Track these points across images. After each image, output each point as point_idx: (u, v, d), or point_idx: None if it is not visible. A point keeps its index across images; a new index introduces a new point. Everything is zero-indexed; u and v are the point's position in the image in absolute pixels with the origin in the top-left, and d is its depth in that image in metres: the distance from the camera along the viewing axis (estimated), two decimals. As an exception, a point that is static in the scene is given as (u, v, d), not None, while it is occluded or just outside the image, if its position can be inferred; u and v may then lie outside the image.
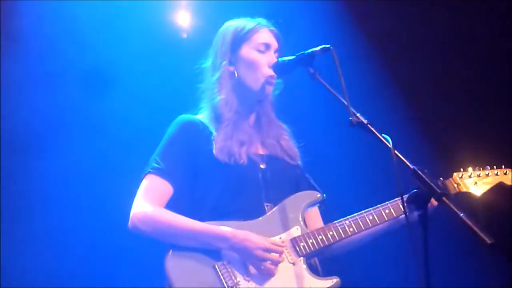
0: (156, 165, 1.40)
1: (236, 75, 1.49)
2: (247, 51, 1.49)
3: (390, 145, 1.18)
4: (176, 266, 1.36)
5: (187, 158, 1.43)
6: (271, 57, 1.48)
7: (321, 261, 1.45)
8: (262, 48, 1.49)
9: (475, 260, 2.00)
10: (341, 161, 1.94)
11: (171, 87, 2.11)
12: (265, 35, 1.50)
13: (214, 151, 1.41)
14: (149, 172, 1.40)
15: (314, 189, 1.50)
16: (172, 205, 1.39)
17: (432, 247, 1.10)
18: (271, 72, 1.47)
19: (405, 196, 1.18)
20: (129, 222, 1.39)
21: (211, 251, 1.35)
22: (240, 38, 1.49)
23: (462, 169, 1.47)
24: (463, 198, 1.43)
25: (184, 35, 2.18)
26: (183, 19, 2.25)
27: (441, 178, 1.43)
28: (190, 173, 1.42)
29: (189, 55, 1.73)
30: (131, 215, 1.38)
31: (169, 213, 1.37)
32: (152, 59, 2.23)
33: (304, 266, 1.38)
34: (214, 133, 1.45)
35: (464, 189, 1.48)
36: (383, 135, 1.21)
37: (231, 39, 1.50)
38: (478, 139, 1.83)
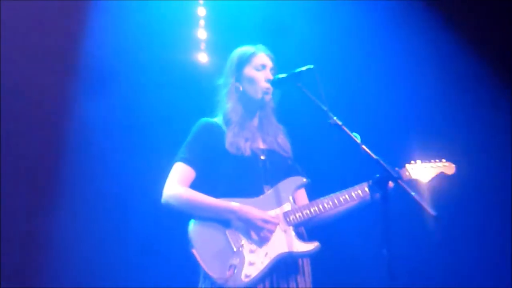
0: (183, 155, 1.82)
1: (241, 88, 1.92)
2: (248, 70, 1.91)
3: (359, 141, 1.61)
4: (196, 232, 1.76)
5: (206, 150, 1.84)
6: (267, 74, 1.90)
7: (307, 230, 1.87)
8: (259, 68, 1.91)
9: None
10: (322, 153, 2.38)
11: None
12: (262, 57, 1.93)
13: (226, 146, 1.82)
14: (178, 160, 1.82)
15: (301, 175, 1.91)
16: (194, 185, 1.80)
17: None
18: (267, 85, 1.88)
19: (370, 180, 1.62)
20: (162, 199, 1.80)
21: (223, 221, 1.75)
22: (243, 61, 1.92)
23: (412, 162, 1.91)
24: (414, 184, 1.86)
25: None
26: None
27: (396, 168, 1.86)
28: (208, 162, 1.83)
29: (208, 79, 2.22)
30: (163, 193, 1.79)
31: (192, 192, 1.78)
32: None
33: (293, 233, 1.78)
34: (226, 132, 1.86)
35: (414, 177, 1.92)
36: (353, 133, 1.64)
37: (237, 62, 1.93)
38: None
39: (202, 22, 2.96)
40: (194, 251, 1.73)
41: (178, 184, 1.78)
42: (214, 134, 1.86)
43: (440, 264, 2.88)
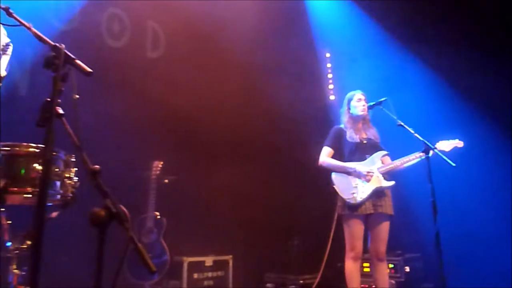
0: (327, 143, 3.84)
1: (350, 110, 3.90)
2: (353, 102, 3.89)
3: (413, 131, 3.54)
4: (335, 178, 3.73)
5: (337, 140, 3.84)
6: (362, 103, 3.86)
7: (389, 176, 3.79)
8: (358, 100, 3.88)
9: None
10: (394, 139, 4.16)
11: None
12: (359, 95, 3.88)
13: (346, 137, 3.83)
14: (325, 145, 3.85)
15: (384, 150, 3.84)
16: (333, 157, 3.82)
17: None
18: (363, 108, 3.86)
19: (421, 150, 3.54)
20: (318, 163, 3.84)
21: (347, 172, 3.74)
22: (350, 99, 3.90)
23: (440, 141, 3.73)
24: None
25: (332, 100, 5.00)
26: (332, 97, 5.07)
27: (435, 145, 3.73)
28: (338, 145, 3.83)
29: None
30: (319, 160, 3.82)
31: (332, 160, 3.78)
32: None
33: (381, 177, 3.72)
34: (346, 131, 3.86)
35: (442, 148, 3.74)
36: (410, 127, 3.57)
37: (347, 100, 3.90)
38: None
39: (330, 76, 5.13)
40: (334, 187, 3.75)
41: (326, 156, 3.82)
42: (340, 132, 3.86)
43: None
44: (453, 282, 3.63)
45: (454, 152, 3.61)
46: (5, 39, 2.37)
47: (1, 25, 2.17)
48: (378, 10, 5.44)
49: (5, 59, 2.34)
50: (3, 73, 2.26)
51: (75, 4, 4.40)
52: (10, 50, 2.39)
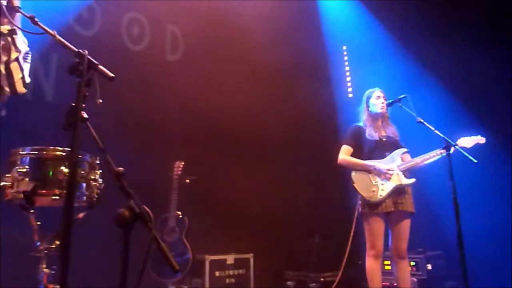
0: (346, 142, 3.83)
1: (369, 108, 3.88)
2: (371, 100, 3.87)
3: (433, 128, 3.51)
4: (355, 176, 3.73)
5: (356, 138, 3.83)
6: (381, 100, 3.85)
7: (409, 173, 3.77)
8: (377, 97, 3.86)
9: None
10: (413, 136, 4.17)
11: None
12: (378, 93, 3.87)
13: (366, 135, 3.81)
14: (343, 144, 3.84)
15: (404, 147, 3.82)
16: (352, 155, 3.81)
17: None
18: (382, 106, 3.84)
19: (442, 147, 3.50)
20: (338, 161, 3.84)
21: (368, 171, 3.73)
22: (368, 96, 3.88)
23: (461, 137, 3.68)
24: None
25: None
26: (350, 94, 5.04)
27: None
28: (357, 143, 3.82)
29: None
30: (339, 159, 3.82)
31: (351, 158, 3.76)
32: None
33: (402, 175, 3.70)
34: (365, 129, 3.84)
35: (463, 145, 3.67)
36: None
37: (366, 98, 3.89)
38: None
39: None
40: (354, 185, 3.74)
41: (345, 155, 3.81)
42: (360, 130, 3.85)
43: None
44: (476, 281, 3.59)
45: (476, 148, 3.56)
46: (25, 47, 2.46)
47: (21, 33, 2.24)
48: (396, 7, 5.40)
49: (27, 67, 2.44)
50: (28, 80, 2.35)
51: (96, 9, 4.51)
52: (29, 58, 2.49)
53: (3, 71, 2.26)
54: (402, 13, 5.41)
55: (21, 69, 2.29)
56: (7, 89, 2.28)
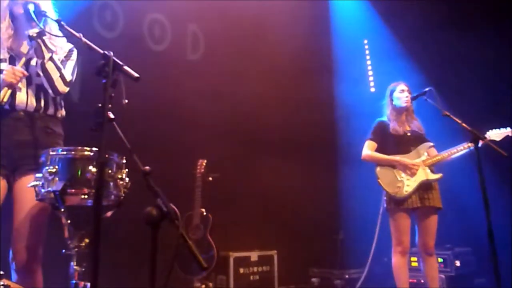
0: (370, 137, 3.76)
1: (393, 102, 3.82)
2: (395, 94, 3.80)
3: (460, 121, 3.42)
4: (379, 172, 3.69)
5: (380, 133, 3.77)
6: (406, 94, 3.77)
7: (435, 168, 3.69)
8: (401, 91, 3.79)
9: None
10: (439, 130, 4.06)
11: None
12: (402, 86, 3.80)
13: (390, 130, 3.75)
14: (367, 139, 3.78)
15: (430, 141, 3.75)
16: (377, 150, 3.75)
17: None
18: (406, 99, 3.77)
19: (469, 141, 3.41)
20: (362, 157, 3.79)
21: (393, 166, 3.68)
22: (392, 90, 3.81)
23: (491, 129, 3.57)
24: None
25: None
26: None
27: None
28: (381, 138, 3.76)
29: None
30: (362, 154, 3.77)
31: (376, 153, 3.71)
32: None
33: (428, 170, 3.63)
34: (389, 124, 3.78)
35: (492, 138, 3.57)
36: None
37: (390, 91, 3.82)
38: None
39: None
40: (379, 181, 3.69)
41: (369, 150, 3.76)
42: (384, 125, 3.78)
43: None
44: (508, 278, 3.49)
45: (506, 142, 3.46)
46: (68, 45, 2.51)
47: (58, 30, 2.29)
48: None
49: (70, 64, 2.48)
50: (68, 78, 2.39)
51: (119, 10, 4.57)
52: (74, 55, 2.52)
53: (40, 73, 2.31)
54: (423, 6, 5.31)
55: (58, 68, 2.33)
56: (49, 90, 2.34)
